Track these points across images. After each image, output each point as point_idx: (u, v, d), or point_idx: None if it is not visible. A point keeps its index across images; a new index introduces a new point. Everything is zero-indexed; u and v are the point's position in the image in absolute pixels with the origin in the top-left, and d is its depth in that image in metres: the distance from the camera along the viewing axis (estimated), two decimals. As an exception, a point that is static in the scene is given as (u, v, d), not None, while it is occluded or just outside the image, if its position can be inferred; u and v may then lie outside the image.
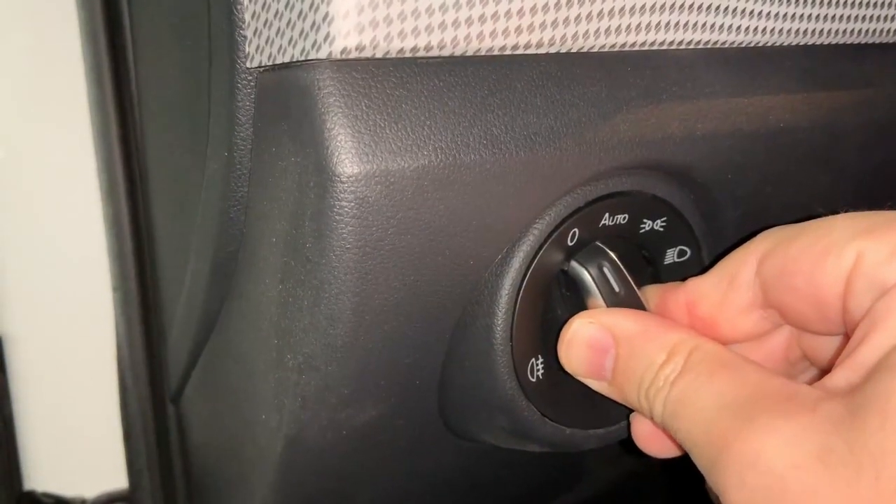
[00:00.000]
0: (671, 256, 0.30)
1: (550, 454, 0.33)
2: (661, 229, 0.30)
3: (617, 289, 0.28)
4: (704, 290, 0.26)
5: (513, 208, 0.26)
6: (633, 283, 0.28)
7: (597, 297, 0.28)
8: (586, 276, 0.28)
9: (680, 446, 0.26)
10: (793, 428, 0.19)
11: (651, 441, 0.27)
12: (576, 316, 0.27)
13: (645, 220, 0.29)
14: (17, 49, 0.41)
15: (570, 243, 0.28)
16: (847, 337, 0.22)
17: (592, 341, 0.26)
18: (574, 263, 0.28)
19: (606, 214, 0.28)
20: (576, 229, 0.28)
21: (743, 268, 0.25)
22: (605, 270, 0.28)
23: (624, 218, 0.29)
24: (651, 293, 0.28)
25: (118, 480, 0.48)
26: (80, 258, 0.45)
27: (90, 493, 0.48)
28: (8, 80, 0.41)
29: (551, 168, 0.26)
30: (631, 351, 0.25)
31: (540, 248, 0.27)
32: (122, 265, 0.42)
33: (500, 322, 0.27)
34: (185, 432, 0.44)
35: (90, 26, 0.37)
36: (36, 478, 0.48)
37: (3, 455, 0.45)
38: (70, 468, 0.48)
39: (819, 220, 0.24)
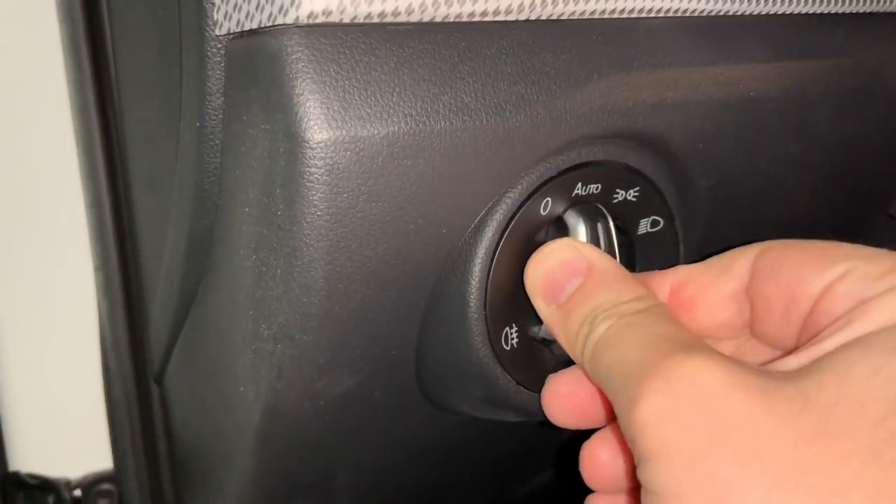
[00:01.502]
0: (644, 227, 0.31)
1: (528, 425, 0.33)
2: (635, 199, 0.30)
3: (603, 247, 0.28)
4: (696, 274, 0.26)
5: (485, 177, 0.26)
6: (616, 250, 0.29)
7: None
8: (581, 227, 0.28)
9: (585, 415, 0.26)
10: (740, 365, 0.20)
11: (562, 404, 0.27)
12: (562, 238, 0.27)
13: (618, 191, 0.29)
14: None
15: (542, 212, 0.28)
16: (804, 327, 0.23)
17: (567, 261, 0.26)
18: (572, 213, 0.28)
19: (579, 184, 0.29)
20: (548, 198, 0.28)
21: (741, 257, 0.25)
22: (599, 228, 0.28)
23: (597, 188, 0.29)
24: (635, 276, 0.28)
25: (103, 461, 0.48)
26: (62, 239, 0.45)
27: (75, 473, 0.49)
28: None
29: (522, 136, 0.26)
30: (600, 282, 0.25)
31: (513, 217, 0.27)
32: (104, 245, 0.43)
33: (473, 291, 0.28)
34: (168, 411, 0.44)
35: (68, 3, 0.37)
36: (21, 459, 0.48)
37: (-14, 436, 0.45)
38: (54, 449, 0.48)
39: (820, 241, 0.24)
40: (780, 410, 0.18)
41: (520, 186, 0.27)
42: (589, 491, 0.27)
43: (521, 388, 0.30)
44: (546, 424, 0.28)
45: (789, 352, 0.23)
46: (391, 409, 0.31)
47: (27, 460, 0.48)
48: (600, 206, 0.29)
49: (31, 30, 0.40)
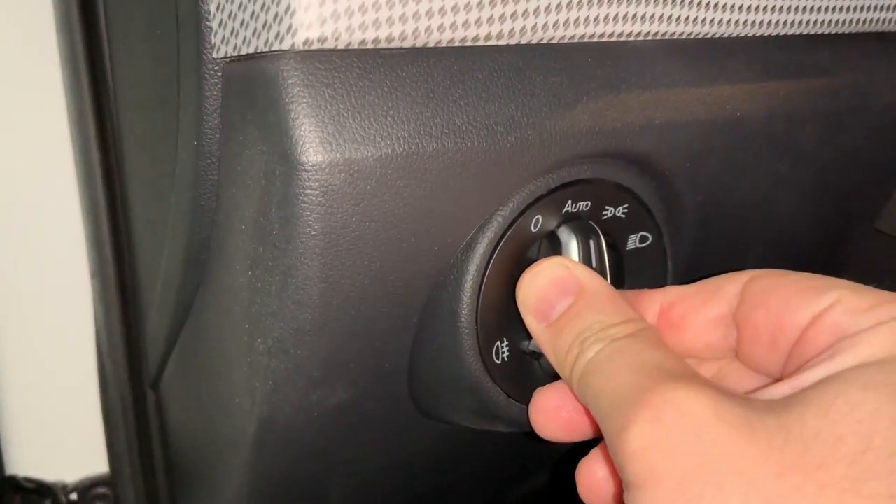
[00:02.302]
0: (633, 242, 0.31)
1: (519, 435, 0.34)
2: (623, 216, 0.30)
3: (594, 264, 0.29)
4: (685, 295, 0.27)
5: (476, 196, 0.27)
6: (607, 265, 0.29)
7: None
8: (574, 243, 0.29)
9: (572, 429, 0.27)
10: (726, 396, 0.20)
11: (549, 417, 0.27)
12: (554, 257, 0.28)
13: (607, 207, 0.30)
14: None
15: (533, 229, 0.29)
16: (790, 356, 0.24)
17: (559, 280, 0.27)
18: (565, 229, 0.29)
19: (569, 201, 0.29)
20: (539, 216, 0.29)
21: (731, 282, 0.26)
22: (591, 245, 0.29)
23: (586, 205, 0.30)
24: (625, 293, 0.29)
25: (99, 465, 0.49)
26: (60, 246, 0.46)
27: (71, 477, 0.49)
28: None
29: (513, 157, 0.26)
30: (590, 303, 0.26)
31: (504, 234, 0.28)
32: (100, 252, 0.43)
33: (465, 306, 0.28)
34: (163, 417, 0.44)
35: (66, 16, 0.37)
36: (18, 463, 0.48)
37: (-16, 440, 0.46)
38: (51, 453, 0.49)
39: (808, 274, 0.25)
40: (764, 442, 0.19)
41: (511, 204, 0.28)
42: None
43: (512, 400, 0.30)
44: (534, 436, 0.29)
45: (774, 379, 0.24)
46: (384, 420, 0.32)
47: (24, 464, 0.48)
48: (592, 223, 0.30)
49: (30, 41, 0.41)
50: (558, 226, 0.29)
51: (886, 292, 0.23)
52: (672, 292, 0.27)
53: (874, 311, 0.22)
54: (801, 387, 0.21)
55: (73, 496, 0.49)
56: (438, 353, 0.29)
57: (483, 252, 0.28)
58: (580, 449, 0.27)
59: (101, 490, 0.49)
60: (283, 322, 0.27)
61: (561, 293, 0.26)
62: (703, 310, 0.26)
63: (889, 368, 0.20)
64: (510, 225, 0.28)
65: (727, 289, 0.26)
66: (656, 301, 0.27)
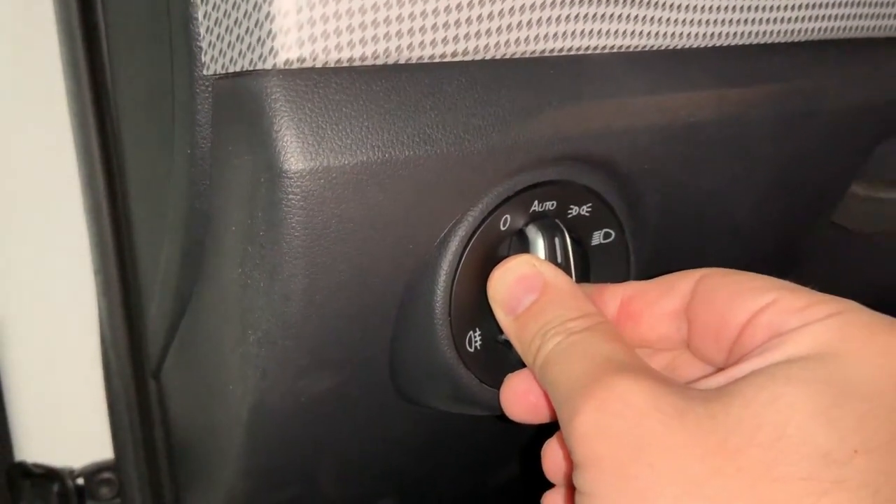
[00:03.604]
0: (597, 238, 0.33)
1: (496, 419, 0.36)
2: (587, 214, 0.33)
3: (559, 259, 0.31)
4: (643, 290, 0.29)
5: (447, 198, 0.29)
6: (572, 261, 0.32)
7: None
8: (540, 240, 0.31)
9: (538, 412, 0.29)
10: (664, 387, 0.23)
11: (517, 401, 0.30)
12: (522, 254, 0.30)
13: (572, 206, 0.32)
14: (-2, 49, 0.43)
15: (502, 228, 0.31)
16: (731, 351, 0.26)
17: (525, 277, 0.29)
18: (532, 227, 0.31)
19: (536, 202, 0.31)
20: (507, 215, 0.31)
21: (684, 280, 0.28)
22: (556, 242, 0.31)
23: (552, 204, 0.32)
24: (589, 287, 0.31)
25: (104, 451, 0.51)
26: (64, 244, 0.48)
27: (78, 463, 0.51)
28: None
29: (481, 162, 0.29)
30: (552, 299, 0.28)
31: (474, 232, 0.30)
32: (103, 250, 0.45)
33: (439, 299, 0.31)
34: (165, 405, 0.47)
35: (67, 28, 0.39)
36: (26, 449, 0.50)
37: (-6, 428, 0.48)
38: (58, 440, 0.51)
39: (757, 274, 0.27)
40: (693, 429, 0.21)
41: (480, 205, 0.30)
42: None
43: (485, 385, 0.32)
44: (504, 418, 0.31)
45: (717, 370, 0.26)
46: (368, 405, 0.34)
47: (32, 451, 0.50)
48: (557, 221, 0.32)
49: (34, 51, 0.43)
50: (526, 224, 0.31)
51: (820, 294, 0.25)
52: (631, 287, 0.29)
53: (805, 311, 0.24)
54: (734, 378, 0.23)
55: (80, 481, 0.51)
56: (416, 343, 0.32)
57: (455, 249, 0.30)
58: (550, 432, 0.30)
59: (107, 475, 0.51)
60: (271, 315, 0.29)
61: (527, 289, 0.29)
62: (658, 304, 0.28)
63: (810, 366, 0.22)
64: (480, 224, 0.30)
65: (680, 286, 0.28)
66: (617, 295, 0.29)
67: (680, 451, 0.21)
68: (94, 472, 0.51)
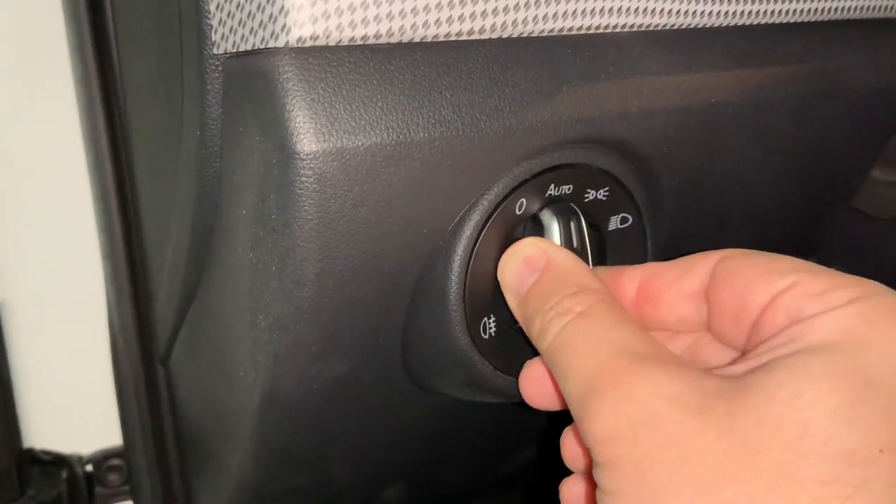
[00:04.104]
0: (614, 223, 0.33)
1: (511, 407, 0.36)
2: (605, 198, 0.32)
3: (575, 244, 0.30)
4: (662, 271, 0.28)
5: (462, 181, 0.28)
6: (588, 246, 0.31)
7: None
8: (555, 225, 0.30)
9: (556, 399, 0.28)
10: (681, 381, 0.22)
11: (536, 387, 0.29)
12: (529, 237, 0.30)
13: (589, 190, 0.32)
14: (4, 33, 0.42)
15: (518, 212, 0.30)
16: (750, 337, 0.25)
17: (529, 258, 0.29)
18: (547, 211, 0.31)
19: (552, 185, 0.31)
20: (523, 199, 0.30)
21: (704, 261, 0.27)
22: (572, 226, 0.30)
23: (569, 188, 0.31)
24: (606, 270, 0.30)
25: (113, 438, 0.51)
26: (72, 229, 0.48)
27: (86, 449, 0.51)
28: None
29: (497, 144, 0.28)
30: (553, 275, 0.28)
31: (489, 216, 0.30)
32: (111, 236, 0.45)
33: (453, 285, 0.30)
34: (173, 391, 0.46)
35: (74, 12, 0.39)
36: (35, 436, 0.50)
37: (2, 415, 0.47)
38: (67, 427, 0.51)
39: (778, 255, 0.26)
40: (711, 431, 0.21)
41: (495, 189, 0.29)
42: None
43: (499, 372, 0.32)
44: (523, 405, 0.30)
45: (739, 354, 0.26)
46: (380, 391, 0.34)
47: (41, 438, 0.50)
48: (573, 205, 0.31)
49: (41, 35, 0.42)
50: (541, 208, 0.31)
51: (843, 276, 0.24)
52: (650, 268, 0.29)
53: (827, 295, 0.23)
54: (752, 368, 0.22)
55: (89, 467, 0.51)
56: (430, 329, 0.31)
57: (470, 234, 0.30)
58: (566, 418, 0.29)
59: (115, 461, 0.51)
60: (282, 300, 0.28)
61: (531, 270, 0.28)
62: (677, 286, 0.27)
63: (831, 357, 0.21)
64: (495, 208, 0.30)
65: (700, 266, 0.27)
66: (636, 277, 0.29)
67: (698, 454, 0.20)
68: (102, 459, 0.51)
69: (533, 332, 0.27)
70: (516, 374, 0.32)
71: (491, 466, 0.45)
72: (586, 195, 0.32)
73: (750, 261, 0.26)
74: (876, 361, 0.21)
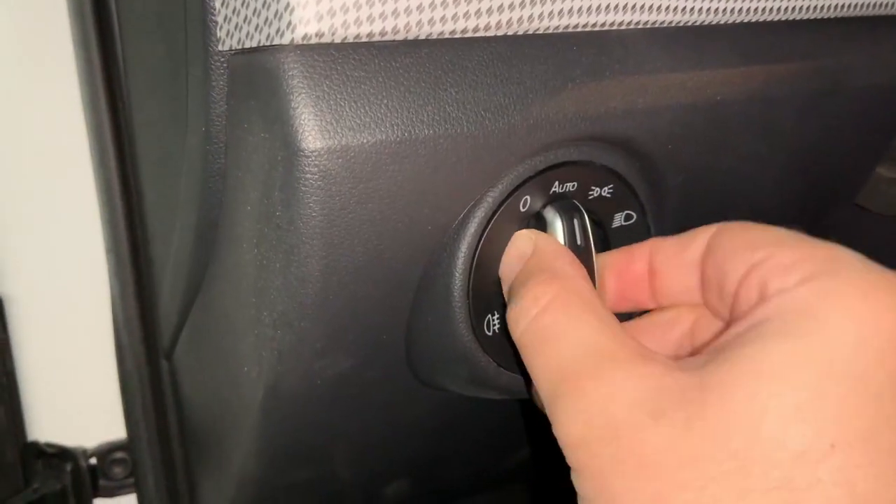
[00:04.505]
0: (619, 220, 0.33)
1: (515, 402, 0.36)
2: (609, 196, 0.32)
3: (579, 241, 0.30)
4: (667, 244, 0.28)
5: (466, 179, 0.28)
6: (592, 244, 0.31)
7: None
8: (559, 222, 0.30)
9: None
10: (641, 382, 0.22)
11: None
12: (525, 230, 0.30)
13: (593, 188, 0.32)
14: (9, 28, 0.42)
15: (522, 209, 0.30)
16: (732, 311, 0.25)
17: (520, 248, 0.29)
18: (550, 209, 0.30)
19: (556, 182, 0.31)
20: (527, 196, 0.30)
21: (703, 232, 0.27)
22: (575, 224, 0.30)
23: (573, 185, 0.31)
24: (616, 252, 0.31)
25: (117, 431, 0.51)
26: (76, 223, 0.48)
27: (91, 443, 0.51)
28: (2, 57, 0.43)
29: (501, 142, 0.28)
30: (532, 263, 0.28)
31: (493, 214, 0.30)
32: (114, 230, 0.45)
33: (458, 282, 0.30)
34: (177, 385, 0.46)
35: (78, 7, 0.38)
36: (39, 429, 0.50)
37: (7, 408, 0.48)
38: (71, 420, 0.51)
39: (774, 227, 0.25)
40: (667, 437, 0.20)
41: (500, 186, 0.29)
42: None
43: (503, 369, 0.32)
44: (526, 402, 0.31)
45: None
46: (384, 388, 0.34)
47: (45, 431, 0.50)
48: (576, 203, 0.31)
49: (46, 29, 0.42)
50: (545, 206, 0.31)
51: (812, 246, 0.23)
52: (655, 243, 0.29)
53: (793, 268, 0.22)
54: (714, 358, 0.22)
55: (93, 460, 0.51)
56: (433, 326, 0.31)
57: (474, 231, 0.30)
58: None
59: (119, 455, 0.51)
60: (287, 296, 0.28)
61: (520, 259, 0.29)
62: (679, 257, 0.27)
63: (787, 347, 0.20)
64: (500, 205, 0.30)
65: (699, 238, 0.27)
66: (644, 253, 0.29)
67: (653, 462, 0.20)
68: (106, 452, 0.51)
69: (508, 323, 0.27)
70: (521, 371, 0.32)
71: (494, 463, 0.45)
72: (590, 192, 0.32)
73: (737, 233, 0.25)
74: (833, 345, 0.20)
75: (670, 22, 0.30)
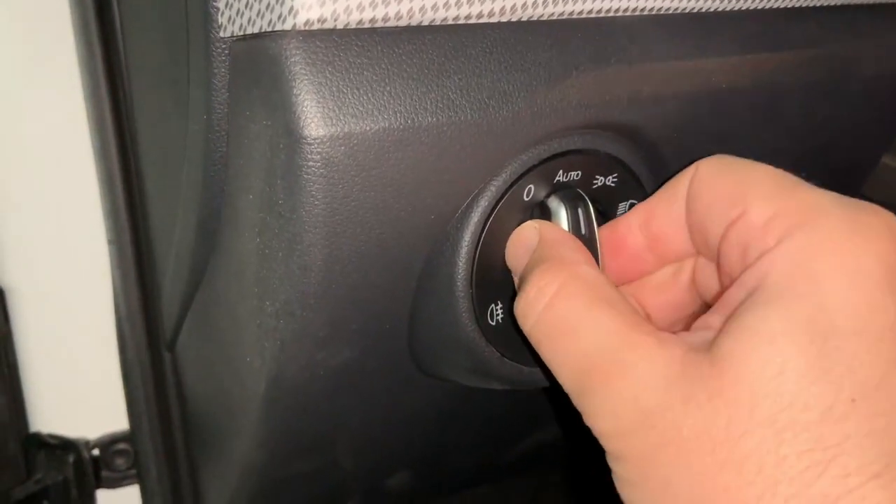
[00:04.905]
0: (623, 209, 0.33)
1: (518, 393, 0.36)
2: (613, 185, 0.32)
3: (583, 230, 0.30)
4: (655, 208, 0.27)
5: (469, 167, 0.28)
6: (596, 233, 0.31)
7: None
8: (563, 211, 0.30)
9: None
10: (665, 368, 0.22)
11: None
12: (530, 221, 0.30)
13: (597, 177, 0.31)
14: (9, 16, 0.42)
15: (525, 198, 0.30)
16: (719, 269, 0.25)
17: (527, 240, 0.29)
18: (554, 198, 0.30)
19: (560, 171, 0.30)
20: (531, 185, 0.30)
21: (681, 183, 0.26)
22: (580, 212, 0.30)
23: (577, 174, 0.31)
24: (606, 228, 0.30)
25: (119, 422, 0.51)
26: (78, 214, 0.48)
27: (93, 434, 0.51)
28: (2, 45, 0.43)
29: (505, 130, 0.28)
30: (538, 253, 0.27)
31: (497, 203, 0.30)
32: (116, 220, 0.45)
33: (461, 271, 0.30)
34: (180, 376, 0.46)
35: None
36: (42, 420, 0.50)
37: (9, 399, 0.48)
38: (73, 411, 0.51)
39: (749, 163, 0.25)
40: (698, 419, 0.21)
41: (503, 175, 0.29)
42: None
43: (506, 359, 0.32)
44: (529, 392, 0.30)
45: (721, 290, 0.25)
46: (386, 378, 0.34)
47: (48, 422, 0.50)
48: (580, 192, 0.31)
49: (46, 19, 0.42)
50: (549, 195, 0.31)
51: (793, 192, 0.22)
52: (642, 210, 0.28)
53: (771, 225, 0.22)
54: (721, 330, 0.22)
55: (95, 452, 0.51)
56: (436, 316, 0.31)
57: (477, 220, 0.29)
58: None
59: (122, 446, 0.51)
60: (289, 286, 0.28)
61: (527, 250, 0.28)
62: (669, 216, 0.27)
63: (788, 312, 0.20)
64: (503, 194, 0.29)
65: (679, 192, 0.26)
66: (633, 224, 0.28)
67: (691, 445, 0.21)
68: (109, 443, 0.51)
69: (516, 315, 0.27)
70: (524, 361, 0.32)
71: (496, 453, 0.45)
72: (595, 182, 0.31)
73: (712, 182, 0.25)
74: (831, 302, 0.20)
75: (675, 9, 0.30)
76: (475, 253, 0.30)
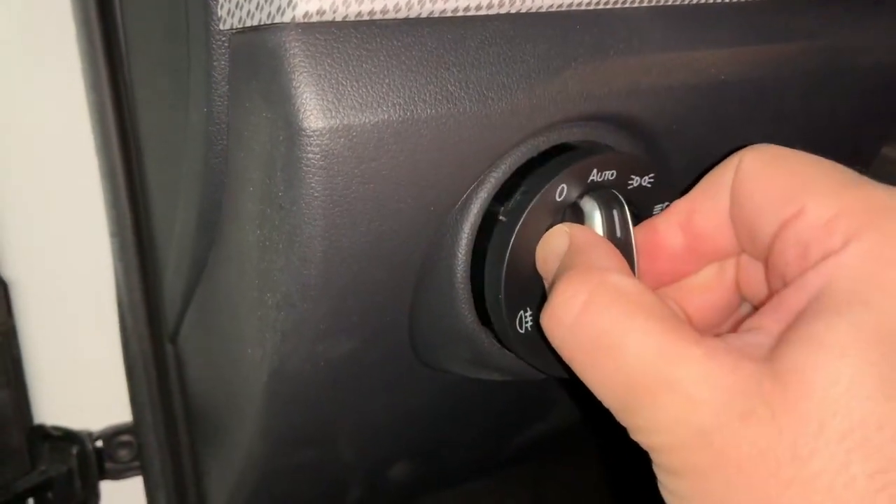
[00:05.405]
0: (657, 211, 0.32)
1: (518, 383, 0.36)
2: (649, 185, 0.31)
3: (619, 233, 0.28)
4: (694, 202, 0.26)
5: (468, 159, 0.28)
6: (632, 234, 0.29)
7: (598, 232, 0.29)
8: (597, 213, 0.29)
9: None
10: (719, 380, 0.20)
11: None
12: (560, 225, 0.28)
13: (633, 177, 0.31)
14: (10, 9, 0.42)
15: (558, 199, 0.29)
16: (768, 268, 0.23)
17: (556, 245, 0.27)
18: (588, 199, 0.29)
19: (595, 171, 0.30)
20: (563, 185, 0.29)
21: (724, 175, 0.25)
22: (615, 214, 0.29)
23: (612, 174, 0.30)
24: (640, 229, 0.28)
25: (123, 414, 0.51)
26: (80, 206, 0.48)
27: (97, 426, 0.51)
28: (3, 38, 0.43)
29: (504, 122, 0.28)
30: (570, 257, 0.26)
31: (526, 205, 0.29)
32: (118, 213, 0.45)
33: (460, 262, 0.30)
34: (182, 368, 0.47)
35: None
36: (45, 412, 0.50)
37: (13, 392, 0.48)
38: (77, 403, 0.51)
39: (801, 155, 0.23)
40: (760, 437, 0.19)
41: (502, 167, 0.29)
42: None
43: (506, 350, 0.32)
44: (529, 383, 0.30)
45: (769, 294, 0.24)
46: (387, 369, 0.34)
47: (52, 414, 0.50)
48: (616, 192, 0.30)
49: (46, 11, 0.42)
50: (582, 195, 0.30)
51: (856, 190, 0.21)
52: (682, 207, 0.26)
53: (832, 226, 0.20)
54: (781, 335, 0.21)
55: (99, 443, 0.51)
56: (436, 307, 0.31)
57: (477, 211, 0.30)
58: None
59: (125, 438, 0.51)
60: (289, 277, 0.28)
61: (556, 256, 0.27)
62: (714, 212, 0.25)
63: (857, 321, 0.19)
64: (502, 186, 0.30)
65: (722, 182, 0.24)
66: (672, 222, 0.27)
67: (753, 464, 0.19)
68: (112, 435, 0.51)
69: (542, 326, 0.24)
70: (553, 358, 0.32)
71: (497, 446, 0.45)
72: (630, 182, 0.31)
73: (763, 175, 0.23)
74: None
75: (674, 0, 0.30)
76: (474, 244, 0.30)
